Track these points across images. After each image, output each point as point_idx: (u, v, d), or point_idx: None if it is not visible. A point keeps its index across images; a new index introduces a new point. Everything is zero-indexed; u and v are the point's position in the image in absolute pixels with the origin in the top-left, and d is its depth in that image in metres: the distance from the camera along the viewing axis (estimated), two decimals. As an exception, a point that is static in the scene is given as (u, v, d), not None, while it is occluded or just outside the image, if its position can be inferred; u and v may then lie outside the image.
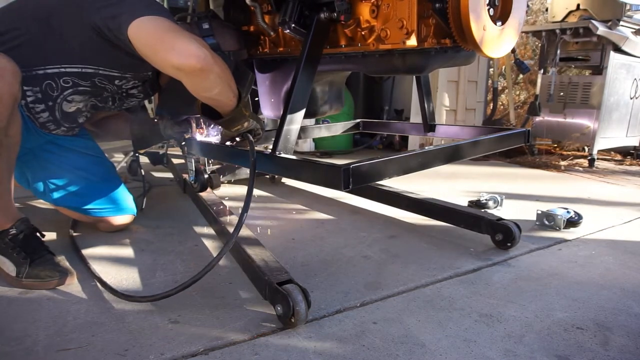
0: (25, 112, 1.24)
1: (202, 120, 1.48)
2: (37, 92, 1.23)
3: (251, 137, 1.28)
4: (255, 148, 1.22)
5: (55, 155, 1.39)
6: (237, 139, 1.33)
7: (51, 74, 1.22)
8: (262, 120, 1.39)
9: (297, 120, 1.17)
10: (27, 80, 1.18)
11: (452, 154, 1.19)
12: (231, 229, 1.26)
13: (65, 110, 1.30)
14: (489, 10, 1.07)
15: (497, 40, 1.09)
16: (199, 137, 1.49)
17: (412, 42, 1.06)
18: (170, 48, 1.08)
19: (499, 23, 1.10)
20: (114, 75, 1.28)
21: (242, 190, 2.12)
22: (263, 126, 1.36)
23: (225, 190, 2.10)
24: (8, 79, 1.03)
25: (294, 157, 1.10)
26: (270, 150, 1.15)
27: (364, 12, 1.14)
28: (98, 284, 1.13)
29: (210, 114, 1.27)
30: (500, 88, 4.07)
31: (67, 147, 1.41)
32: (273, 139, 1.17)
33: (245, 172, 2.15)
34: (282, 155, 1.12)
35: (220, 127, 1.38)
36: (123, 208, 1.49)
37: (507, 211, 1.81)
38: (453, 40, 1.07)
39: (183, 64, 1.08)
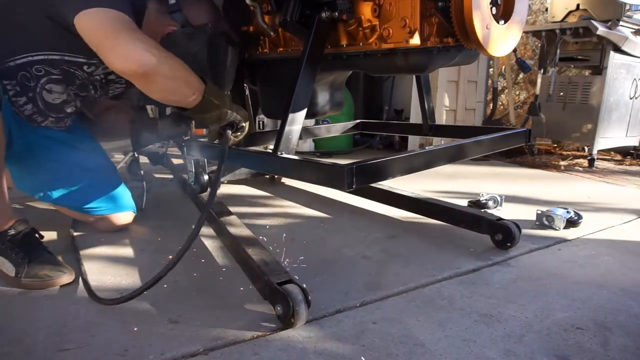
0: (10, 106, 1.24)
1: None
2: (14, 85, 1.23)
3: (229, 132, 1.22)
4: (234, 142, 1.19)
5: (54, 152, 1.38)
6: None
7: (21, 64, 1.21)
8: (245, 111, 1.31)
9: (298, 120, 1.16)
10: (3, 75, 1.18)
11: (455, 154, 1.20)
12: (231, 229, 1.27)
13: (48, 101, 1.29)
14: (491, 8, 1.06)
15: (500, 39, 1.09)
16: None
17: (416, 41, 1.06)
18: (111, 51, 1.05)
19: (502, 22, 1.09)
20: (80, 62, 1.26)
21: (242, 190, 2.12)
22: (247, 117, 1.30)
23: (225, 190, 2.10)
24: None
25: (296, 157, 1.10)
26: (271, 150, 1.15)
27: (366, 11, 1.14)
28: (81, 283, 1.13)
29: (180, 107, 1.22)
30: (500, 88, 4.07)
31: (66, 143, 1.41)
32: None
33: (245, 172, 2.15)
34: (284, 155, 1.11)
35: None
36: (123, 206, 1.49)
37: (507, 211, 1.81)
38: (456, 39, 1.07)
39: (123, 69, 1.05)
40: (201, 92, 1.17)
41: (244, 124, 1.28)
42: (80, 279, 1.16)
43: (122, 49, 1.04)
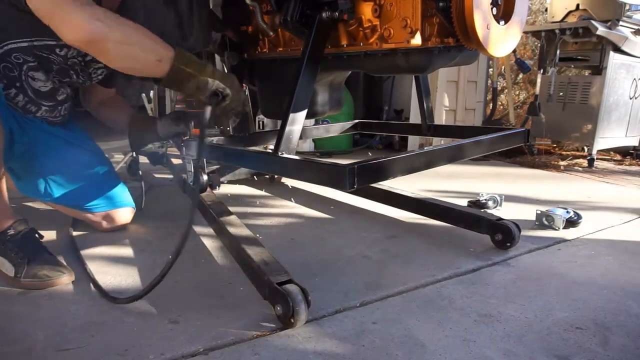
0: (5, 101, 1.24)
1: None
2: (1, 78, 1.23)
3: (209, 109, 1.14)
4: (224, 112, 1.12)
5: (54, 149, 1.38)
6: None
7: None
8: (233, 76, 1.20)
9: (299, 120, 1.16)
10: None
11: (455, 154, 1.20)
12: (231, 229, 1.27)
13: (36, 89, 1.29)
14: (492, 9, 1.07)
15: (500, 39, 1.09)
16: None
17: (417, 41, 1.06)
18: (60, 23, 1.02)
19: (502, 22, 1.10)
20: (51, 44, 1.24)
21: (242, 190, 2.12)
22: (235, 84, 1.19)
23: (225, 190, 2.09)
24: None
25: (297, 157, 1.10)
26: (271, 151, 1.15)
27: (367, 11, 1.14)
28: (91, 284, 1.13)
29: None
30: (499, 88, 4.07)
31: (65, 139, 1.41)
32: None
33: (245, 172, 2.15)
34: (285, 155, 1.11)
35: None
36: (122, 202, 1.50)
37: (507, 211, 1.81)
38: (456, 40, 1.07)
39: (73, 40, 1.03)
40: (168, 58, 1.08)
41: (228, 92, 1.16)
42: (89, 280, 1.15)
43: (68, 19, 1.02)
